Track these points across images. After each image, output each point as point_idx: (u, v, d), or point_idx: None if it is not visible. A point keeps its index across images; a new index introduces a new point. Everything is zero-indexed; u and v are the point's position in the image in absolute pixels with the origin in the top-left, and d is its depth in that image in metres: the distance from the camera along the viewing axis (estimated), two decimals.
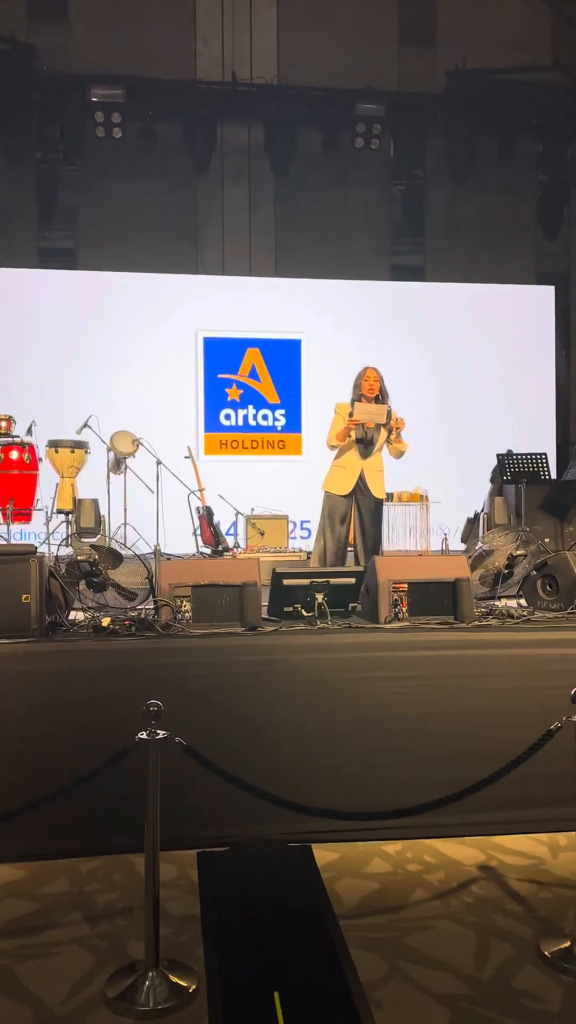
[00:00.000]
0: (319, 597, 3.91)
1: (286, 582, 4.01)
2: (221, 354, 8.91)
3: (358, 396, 5.36)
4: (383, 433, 5.28)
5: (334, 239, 9.26)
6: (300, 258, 9.20)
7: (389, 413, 5.33)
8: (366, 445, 5.30)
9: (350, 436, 5.26)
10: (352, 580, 4.03)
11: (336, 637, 3.62)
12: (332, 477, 5.34)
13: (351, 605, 4.07)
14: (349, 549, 7.24)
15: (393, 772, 3.41)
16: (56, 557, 4.10)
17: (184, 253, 9.13)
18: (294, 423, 8.85)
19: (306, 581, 3.97)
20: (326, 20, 9.02)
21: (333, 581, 3.97)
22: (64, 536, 6.53)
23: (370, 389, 5.36)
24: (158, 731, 2.45)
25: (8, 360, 8.36)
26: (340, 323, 8.99)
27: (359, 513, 5.29)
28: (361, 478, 5.25)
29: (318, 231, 9.25)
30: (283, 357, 8.91)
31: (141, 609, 3.93)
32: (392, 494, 6.92)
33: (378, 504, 5.31)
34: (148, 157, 8.94)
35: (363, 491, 5.27)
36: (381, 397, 5.36)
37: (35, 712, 3.26)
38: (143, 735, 2.44)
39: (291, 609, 3.97)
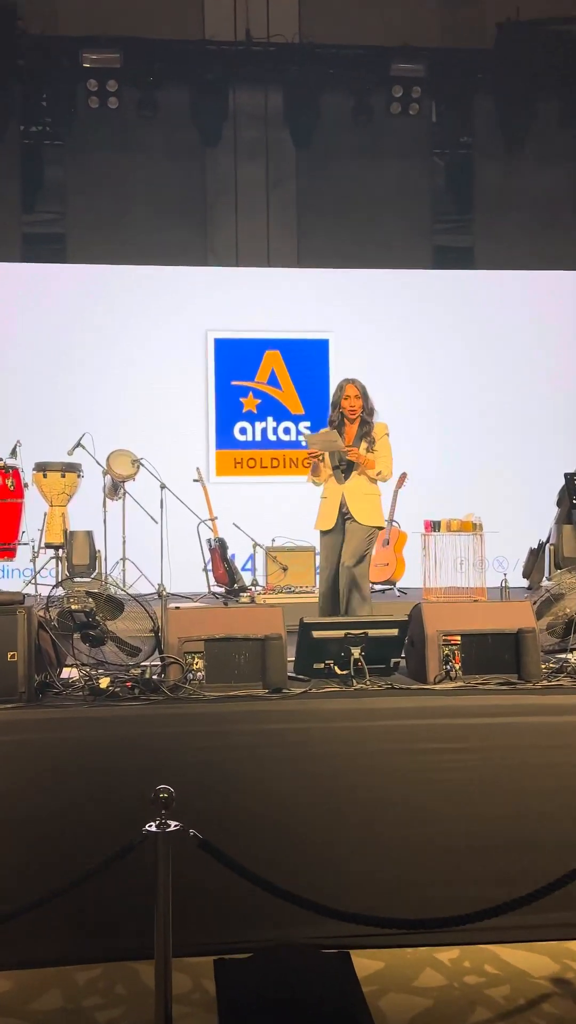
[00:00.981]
0: (355, 652, 3.89)
1: (316, 634, 4.00)
2: (235, 358, 8.98)
3: (337, 417, 5.41)
4: (362, 447, 5.28)
5: (366, 221, 9.34)
6: (326, 244, 9.28)
7: (364, 433, 5.33)
8: (343, 466, 5.34)
9: (321, 463, 5.32)
10: (395, 631, 4.02)
11: (376, 701, 3.61)
12: (319, 513, 5.42)
13: (393, 661, 4.06)
14: (379, 587, 7.29)
15: (446, 866, 3.37)
16: (46, 604, 4.13)
17: (191, 241, 9.24)
18: None
19: (340, 632, 3.95)
20: None
21: (372, 632, 3.96)
22: (54, 577, 6.60)
23: (351, 409, 5.38)
24: (169, 822, 2.46)
25: None
26: (374, 320, 9.04)
27: (344, 542, 5.28)
28: (343, 504, 5.28)
29: (347, 212, 9.33)
30: (307, 360, 8.96)
31: (146, 667, 3.95)
32: (439, 522, 6.92)
33: (361, 531, 5.24)
34: (149, 130, 9.09)
35: (348, 518, 5.28)
36: (366, 416, 5.37)
37: (21, 793, 3.28)
38: (152, 827, 2.46)
39: (322, 666, 3.95)
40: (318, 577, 5.48)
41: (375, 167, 9.50)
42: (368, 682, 3.81)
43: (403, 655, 4.13)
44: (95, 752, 3.35)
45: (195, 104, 9.02)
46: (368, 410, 5.41)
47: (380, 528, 5.38)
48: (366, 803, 3.40)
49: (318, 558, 7.76)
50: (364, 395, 5.41)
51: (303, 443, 5.42)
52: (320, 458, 5.34)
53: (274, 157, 9.33)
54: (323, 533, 5.40)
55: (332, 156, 9.36)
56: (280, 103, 9.15)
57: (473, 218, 9.66)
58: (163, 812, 2.46)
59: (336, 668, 3.90)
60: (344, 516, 5.29)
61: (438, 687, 3.79)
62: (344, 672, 3.88)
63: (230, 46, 8.89)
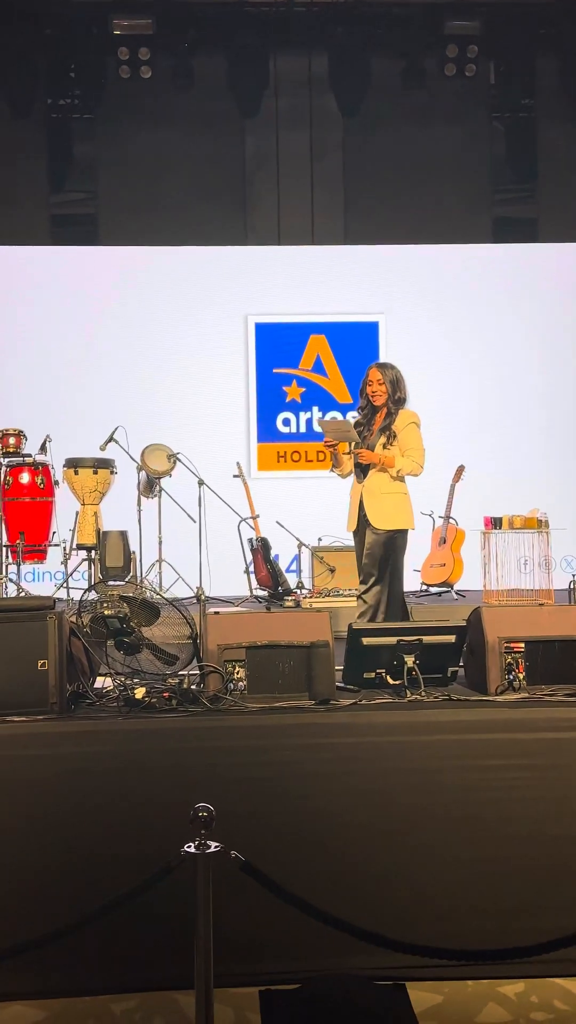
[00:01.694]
0: (409, 660, 3.88)
1: (366, 640, 4.01)
2: (277, 344, 8.99)
3: (365, 404, 5.33)
4: (380, 442, 5.14)
5: (419, 193, 9.28)
6: (375, 219, 9.24)
7: (385, 426, 5.20)
8: (362, 466, 5.24)
9: (344, 454, 5.25)
10: (452, 638, 4.00)
11: (431, 713, 3.60)
12: (348, 512, 5.35)
13: (451, 670, 4.04)
14: (435, 590, 7.23)
15: (510, 892, 3.36)
16: (78, 610, 4.18)
17: (230, 219, 9.26)
18: None
19: (392, 639, 3.95)
20: None
21: (427, 639, 3.95)
22: (86, 581, 6.67)
23: (373, 394, 5.27)
24: (209, 843, 2.47)
25: (15, 361, 8.59)
26: (428, 300, 8.99)
27: (362, 551, 5.21)
28: (361, 506, 5.18)
29: (398, 184, 9.28)
30: (356, 345, 8.94)
31: (183, 676, 3.97)
32: (500, 519, 6.86)
33: (378, 537, 5.11)
34: (184, 100, 9.13)
35: (366, 522, 5.17)
36: (391, 406, 5.21)
37: (54, 809, 3.33)
38: (191, 848, 2.47)
39: (373, 675, 3.95)
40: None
41: (428, 134, 9.43)
42: (423, 693, 3.80)
43: (461, 664, 4.12)
44: (130, 767, 3.38)
45: (233, 72, 9.03)
46: (396, 399, 5.24)
47: (403, 531, 5.17)
48: (422, 824, 3.40)
49: None
50: (392, 382, 5.23)
51: (317, 429, 5.39)
52: (335, 448, 5.23)
53: (318, 127, 9.31)
54: (352, 535, 5.34)
55: (381, 124, 9.32)
56: (325, 68, 9.11)
57: (537, 187, 9.55)
58: (203, 832, 2.48)
59: (388, 678, 3.90)
60: (364, 520, 5.17)
61: (500, 699, 3.76)
62: (397, 682, 3.87)
63: (270, 8, 8.88)
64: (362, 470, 5.20)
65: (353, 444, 5.23)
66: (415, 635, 3.96)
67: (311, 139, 9.30)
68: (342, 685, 4.02)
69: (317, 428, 5.48)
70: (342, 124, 9.31)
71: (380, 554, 5.13)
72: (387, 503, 5.14)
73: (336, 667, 3.96)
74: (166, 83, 8.99)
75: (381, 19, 8.93)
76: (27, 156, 9.17)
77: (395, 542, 5.14)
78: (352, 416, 5.42)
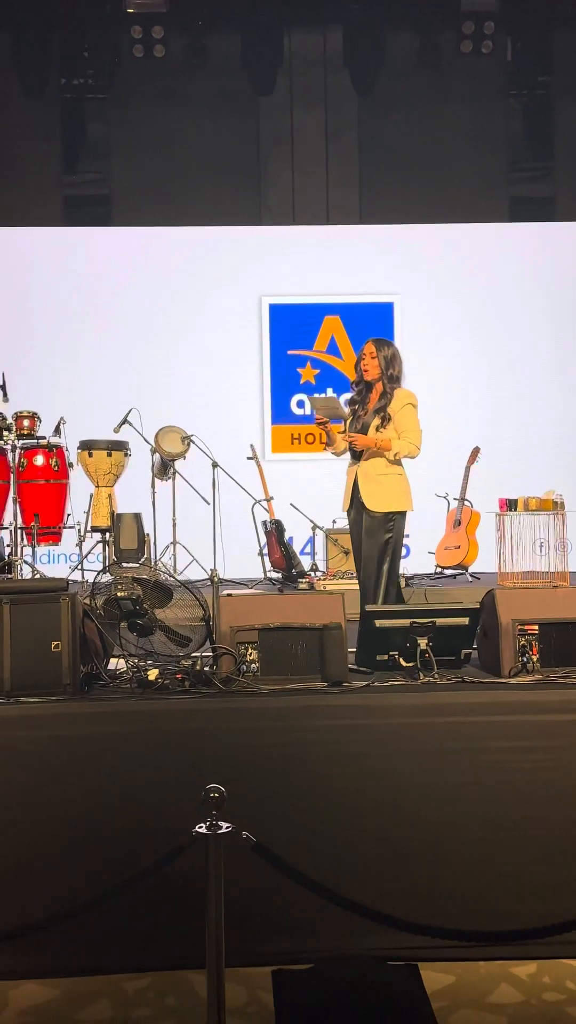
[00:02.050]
0: (422, 642, 3.89)
1: (379, 623, 4.01)
2: (292, 324, 8.96)
3: (359, 381, 5.17)
4: (373, 424, 4.98)
5: (435, 172, 9.20)
6: (391, 198, 9.17)
7: (379, 408, 5.03)
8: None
9: (338, 433, 5.12)
10: (466, 620, 4.00)
11: (445, 695, 3.60)
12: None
13: (464, 652, 4.04)
14: (449, 572, 7.19)
15: (523, 873, 3.36)
16: (92, 591, 4.20)
17: (244, 198, 9.22)
18: None
19: (405, 621, 3.96)
20: None
21: (440, 621, 3.95)
22: (100, 563, 6.69)
23: (364, 370, 5.07)
24: (220, 823, 2.48)
25: (29, 344, 8.59)
26: (444, 280, 8.92)
27: (357, 532, 5.08)
28: (355, 488, 5.04)
29: (414, 162, 9.20)
30: (371, 326, 8.88)
31: (196, 658, 3.99)
32: (516, 501, 6.83)
33: (374, 520, 4.96)
34: (198, 79, 9.08)
35: (359, 505, 5.03)
36: (387, 385, 5.03)
37: (67, 790, 3.35)
38: (202, 828, 2.48)
39: (386, 658, 3.97)
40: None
41: (445, 112, 9.34)
42: (436, 675, 3.81)
43: (475, 646, 4.12)
44: (143, 748, 3.40)
45: (247, 50, 8.97)
46: (390, 376, 5.04)
47: (401, 512, 5.02)
48: (434, 805, 3.40)
49: None
50: (387, 358, 5.04)
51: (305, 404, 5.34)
52: (326, 425, 5.08)
53: (333, 105, 9.24)
54: (348, 515, 5.21)
55: (397, 102, 9.23)
56: (339, 45, 9.04)
57: (554, 165, 9.45)
58: (214, 813, 2.49)
59: (401, 660, 3.91)
60: (357, 502, 5.03)
61: (513, 681, 3.77)
62: (410, 664, 3.88)
63: None
64: (356, 451, 5.09)
65: (347, 422, 5.13)
66: (428, 617, 3.96)
67: (326, 117, 9.23)
68: (355, 667, 4.02)
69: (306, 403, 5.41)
70: (357, 102, 9.23)
71: (378, 537, 4.98)
72: (383, 485, 5.00)
73: (349, 649, 3.97)
74: (180, 62, 8.94)
75: None
76: (40, 136, 9.15)
77: (394, 524, 5.00)
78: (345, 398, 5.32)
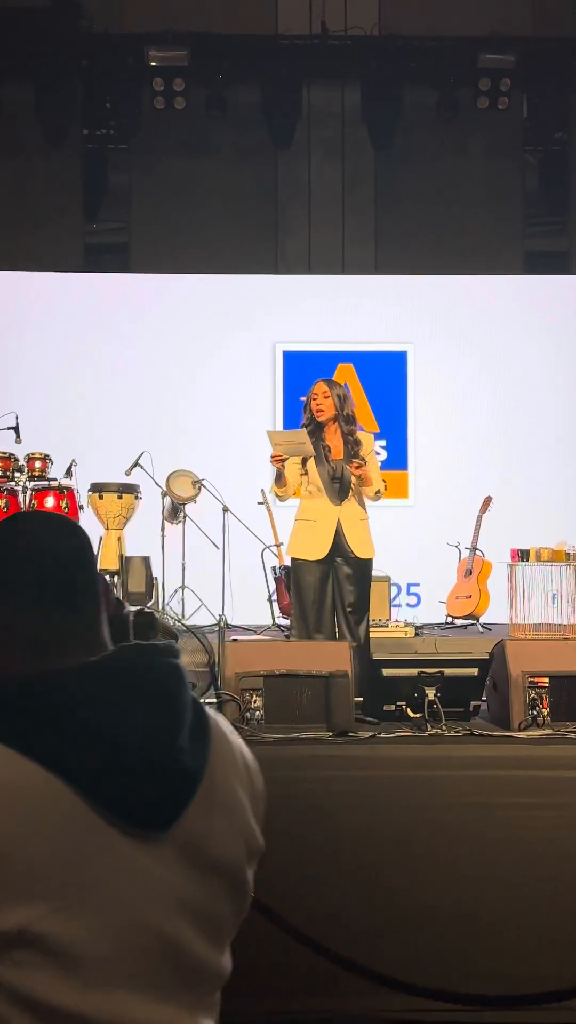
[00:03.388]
0: (430, 693, 3.84)
1: (386, 672, 3.97)
2: (305, 372, 8.95)
3: (309, 422, 4.94)
4: (353, 466, 4.77)
5: (450, 224, 9.28)
6: (406, 250, 9.24)
7: (352, 452, 4.80)
8: (338, 483, 4.81)
9: (304, 474, 4.79)
10: (474, 671, 3.95)
11: (452, 748, 3.58)
12: (298, 536, 4.87)
13: (472, 704, 3.99)
14: (460, 622, 7.12)
15: (530, 936, 3.25)
16: None
17: (261, 247, 9.30)
18: (398, 458, 8.81)
19: (413, 671, 3.91)
20: None
21: (449, 671, 3.91)
22: None
23: (318, 410, 4.85)
24: None
25: (44, 385, 8.62)
26: (458, 330, 8.94)
27: (336, 582, 4.75)
28: (339, 533, 4.72)
29: (430, 215, 9.29)
30: (384, 374, 8.91)
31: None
32: (528, 551, 6.76)
33: (364, 568, 4.79)
34: (218, 131, 9.21)
35: (343, 551, 4.73)
36: (345, 426, 4.86)
37: None
38: None
39: (393, 708, 3.92)
40: (295, 617, 4.88)
41: (461, 167, 9.44)
42: (444, 727, 3.77)
43: (483, 698, 4.06)
44: None
45: (267, 103, 9.10)
46: (348, 417, 4.89)
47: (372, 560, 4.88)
48: (440, 863, 3.32)
49: (393, 588, 7.73)
50: (340, 396, 4.88)
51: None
52: (283, 463, 4.77)
53: (351, 158, 9.35)
54: (302, 562, 4.79)
55: (414, 156, 9.34)
56: (357, 100, 9.17)
57: (569, 220, 9.53)
58: None
59: (408, 710, 3.87)
60: (338, 546, 4.72)
61: (523, 735, 3.71)
62: (417, 715, 3.84)
63: (304, 40, 8.95)
64: (339, 493, 4.77)
65: (307, 461, 4.82)
66: (437, 667, 3.91)
67: (343, 170, 9.33)
68: (361, 717, 3.97)
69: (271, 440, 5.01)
70: (374, 156, 9.34)
71: (363, 584, 4.81)
72: (364, 530, 4.82)
73: (355, 698, 3.91)
74: (200, 114, 9.06)
75: (414, 52, 8.97)
76: (62, 185, 9.27)
77: (370, 571, 4.88)
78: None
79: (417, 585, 8.51)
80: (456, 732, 3.74)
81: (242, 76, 9.02)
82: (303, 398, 5.18)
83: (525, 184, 9.54)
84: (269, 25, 9.08)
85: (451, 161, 9.40)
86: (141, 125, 9.21)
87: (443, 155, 9.38)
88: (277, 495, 5.00)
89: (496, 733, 3.75)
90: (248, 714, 3.76)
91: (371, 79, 9.02)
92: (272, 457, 4.84)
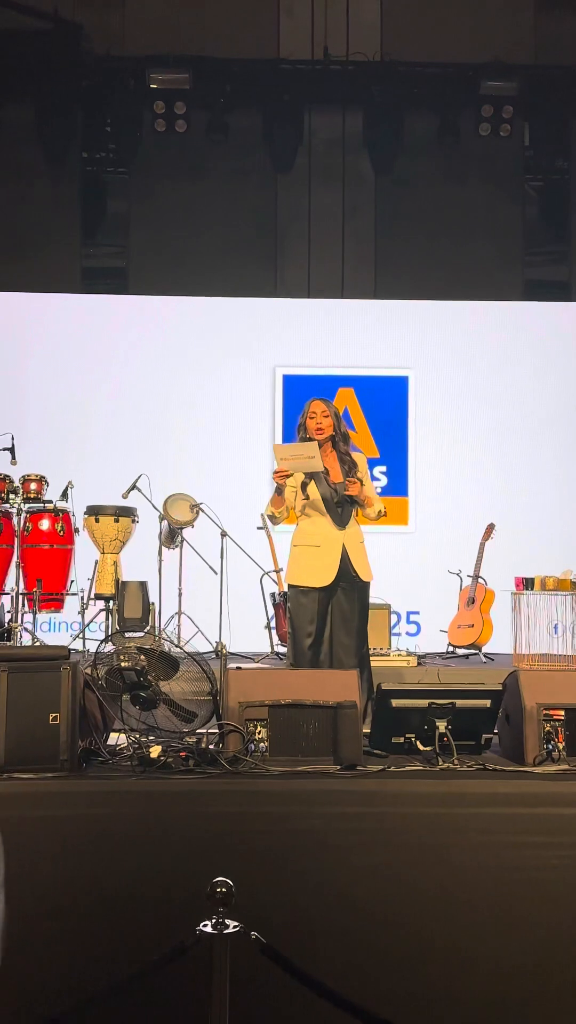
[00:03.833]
0: (441, 725, 3.72)
1: (395, 702, 3.85)
2: (305, 396, 8.78)
3: (304, 440, 4.74)
4: (354, 487, 4.60)
5: (450, 252, 9.24)
6: (406, 275, 9.19)
7: (348, 471, 4.66)
8: (340, 506, 4.63)
9: (306, 500, 4.59)
10: (487, 702, 3.83)
11: (465, 784, 3.44)
12: (299, 562, 4.64)
13: (485, 737, 3.87)
14: (462, 651, 7.00)
15: (548, 983, 3.11)
16: (94, 661, 4.02)
17: (261, 272, 9.25)
18: (398, 483, 8.73)
19: (423, 702, 3.79)
20: None
21: (460, 703, 3.79)
22: (103, 631, 6.50)
23: (317, 429, 4.67)
24: (227, 921, 2.27)
25: (41, 407, 8.53)
26: (458, 356, 8.89)
27: (340, 610, 4.59)
28: (345, 558, 4.56)
29: (430, 241, 9.25)
30: (384, 399, 8.85)
31: (202, 735, 3.81)
32: (532, 580, 6.65)
33: (365, 591, 4.65)
34: (218, 155, 9.18)
35: (348, 576, 4.58)
36: (341, 444, 4.72)
37: (60, 878, 3.13)
38: (207, 927, 2.27)
39: (402, 740, 3.82)
40: (294, 647, 4.66)
41: (461, 193, 9.42)
42: (456, 761, 3.64)
43: (496, 731, 3.94)
44: (143, 832, 3.20)
45: (268, 127, 9.08)
46: (344, 435, 4.76)
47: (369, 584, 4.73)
48: (453, 904, 3.18)
49: (394, 616, 7.60)
50: (336, 415, 4.73)
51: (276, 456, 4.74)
52: (285, 480, 4.56)
53: (351, 183, 9.33)
54: (305, 589, 4.60)
55: (414, 182, 9.31)
56: (359, 126, 9.16)
57: (570, 248, 9.51)
58: (220, 910, 2.27)
59: (418, 743, 3.76)
60: (344, 572, 4.56)
61: (538, 770, 3.59)
62: (428, 748, 3.72)
63: (306, 65, 8.95)
64: (340, 516, 4.62)
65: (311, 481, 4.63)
66: (448, 698, 3.78)
67: (343, 196, 9.30)
68: (369, 749, 3.84)
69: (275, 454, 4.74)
70: (374, 182, 9.32)
71: (365, 609, 4.68)
72: (365, 552, 4.70)
73: (364, 730, 3.79)
74: (201, 137, 9.04)
75: (416, 78, 8.97)
76: (61, 207, 9.22)
77: (368, 595, 4.73)
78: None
79: (417, 613, 8.40)
80: (468, 767, 3.61)
81: (243, 100, 9.02)
82: (300, 417, 4.92)
83: (525, 211, 9.52)
84: (271, 49, 9.08)
85: (452, 187, 9.38)
86: (141, 148, 9.20)
87: (444, 181, 9.36)
88: (272, 516, 4.74)
89: (510, 768, 3.62)
90: (252, 746, 3.62)
91: (372, 105, 9.03)
92: (275, 473, 4.61)
